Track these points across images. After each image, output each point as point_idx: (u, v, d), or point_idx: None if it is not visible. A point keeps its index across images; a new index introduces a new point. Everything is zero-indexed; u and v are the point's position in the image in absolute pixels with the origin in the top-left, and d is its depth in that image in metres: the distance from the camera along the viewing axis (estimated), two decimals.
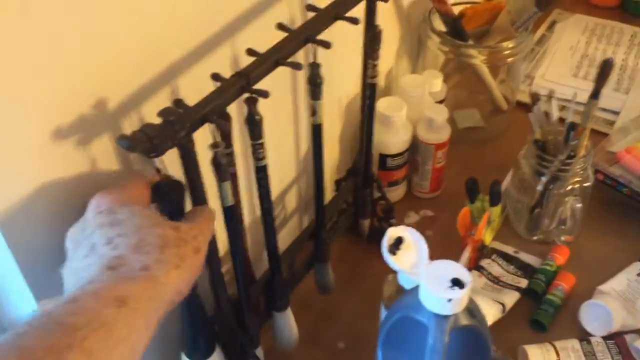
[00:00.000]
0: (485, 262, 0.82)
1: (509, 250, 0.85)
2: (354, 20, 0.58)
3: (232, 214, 0.55)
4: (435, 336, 0.51)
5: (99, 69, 0.47)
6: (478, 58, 0.95)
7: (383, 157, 0.87)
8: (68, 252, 0.43)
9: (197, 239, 0.44)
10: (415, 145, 0.89)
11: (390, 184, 0.90)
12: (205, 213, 0.48)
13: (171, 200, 0.47)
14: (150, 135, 0.45)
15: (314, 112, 0.61)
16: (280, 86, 0.69)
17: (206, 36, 0.56)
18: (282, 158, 0.76)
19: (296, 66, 0.53)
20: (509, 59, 0.95)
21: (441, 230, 0.89)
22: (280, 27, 0.57)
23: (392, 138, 0.86)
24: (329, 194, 0.81)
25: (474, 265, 0.82)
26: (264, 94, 0.51)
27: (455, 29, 0.93)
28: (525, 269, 0.82)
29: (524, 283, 0.80)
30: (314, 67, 0.58)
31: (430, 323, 0.51)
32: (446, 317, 0.51)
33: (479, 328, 0.53)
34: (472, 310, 0.53)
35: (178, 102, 0.50)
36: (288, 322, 0.71)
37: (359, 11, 0.62)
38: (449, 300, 0.50)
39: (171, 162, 0.48)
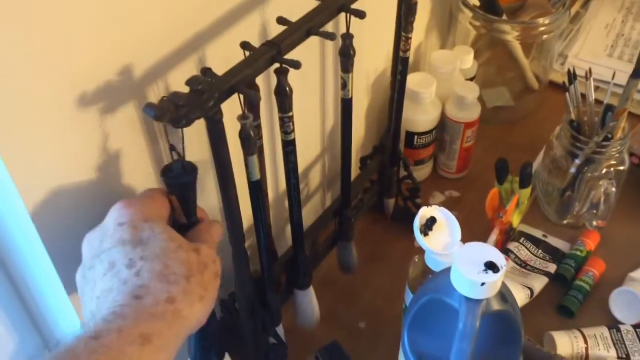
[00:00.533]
0: (512, 245, 0.80)
1: (538, 233, 0.83)
2: None
3: (258, 189, 0.53)
4: (466, 321, 0.49)
5: (125, 35, 0.45)
6: (511, 34, 0.92)
7: (410, 135, 0.85)
8: (83, 256, 0.43)
9: (215, 263, 0.45)
10: (443, 123, 0.87)
11: (416, 163, 0.88)
12: (216, 229, 0.48)
13: (183, 184, 0.46)
14: (178, 104, 0.43)
15: (344, 85, 0.59)
16: (308, 58, 0.66)
17: (235, 3, 0.53)
18: (307, 133, 0.74)
19: (330, 36, 0.51)
20: (544, 36, 0.92)
21: (467, 212, 0.87)
22: None
23: (420, 115, 0.83)
24: (353, 171, 0.79)
25: (501, 248, 0.80)
26: (296, 65, 0.49)
27: (489, 3, 0.90)
28: (554, 254, 0.80)
29: (552, 268, 0.77)
30: (347, 38, 0.55)
31: (461, 307, 0.50)
32: (478, 301, 0.49)
33: (511, 314, 0.52)
34: (504, 295, 0.51)
35: (206, 71, 0.48)
36: (310, 301, 0.69)
37: None
38: (482, 284, 0.48)
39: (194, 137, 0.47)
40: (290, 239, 0.66)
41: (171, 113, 0.43)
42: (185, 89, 0.44)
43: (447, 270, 0.51)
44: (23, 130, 0.41)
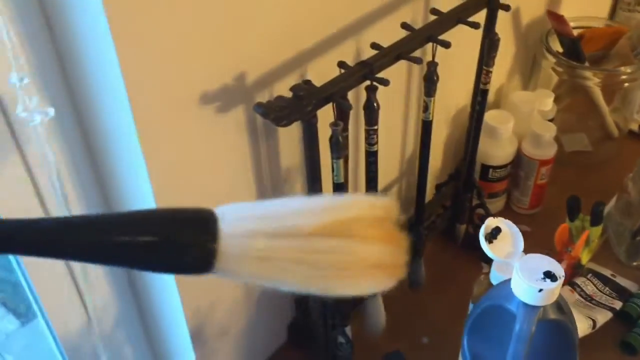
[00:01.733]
0: (579, 280, 0.82)
1: (606, 272, 0.85)
2: (474, 25, 0.62)
3: (341, 191, 0.60)
4: (522, 324, 0.53)
5: (242, 46, 0.53)
6: (593, 81, 0.96)
7: (485, 168, 0.90)
8: None
9: None
10: (519, 160, 0.91)
11: (490, 195, 0.92)
12: None
13: None
14: (282, 105, 0.51)
15: (426, 108, 0.65)
16: (394, 84, 0.74)
17: (336, 29, 0.61)
18: (388, 155, 0.81)
19: (417, 60, 0.58)
20: (626, 84, 0.95)
21: (536, 246, 0.88)
22: (404, 26, 0.61)
23: (496, 150, 0.88)
24: (429, 197, 0.85)
25: (567, 282, 0.82)
26: (385, 82, 0.56)
27: (573, 50, 0.94)
28: (621, 292, 0.81)
29: (618, 305, 0.79)
30: (432, 65, 0.62)
31: (519, 311, 0.54)
32: (535, 307, 0.53)
33: (567, 324, 0.55)
34: (561, 306, 0.55)
35: (307, 82, 0.55)
36: (377, 308, 0.75)
37: (479, 19, 0.66)
38: (540, 290, 0.52)
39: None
40: None
41: (275, 112, 0.50)
42: (289, 95, 0.52)
43: (508, 281, 0.56)
44: (160, 117, 0.50)
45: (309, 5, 0.57)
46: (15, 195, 0.49)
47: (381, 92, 0.58)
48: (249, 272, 0.38)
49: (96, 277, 0.60)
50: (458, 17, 0.62)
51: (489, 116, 0.87)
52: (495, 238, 0.56)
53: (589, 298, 0.80)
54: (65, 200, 0.49)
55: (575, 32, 0.97)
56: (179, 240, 0.35)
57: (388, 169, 0.82)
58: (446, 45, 0.60)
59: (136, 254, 0.36)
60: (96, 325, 0.60)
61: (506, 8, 0.66)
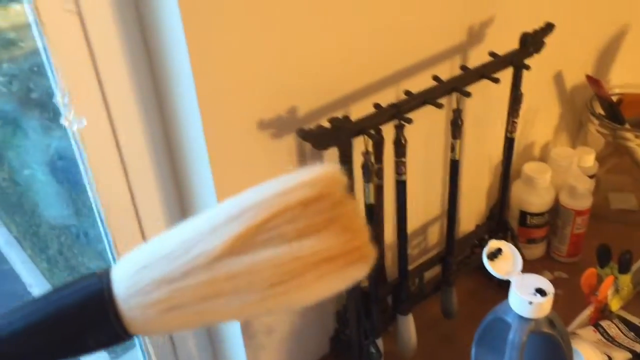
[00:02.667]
0: (605, 323, 0.87)
1: (635, 320, 0.89)
2: (495, 80, 0.73)
3: (371, 212, 0.71)
4: (515, 333, 0.61)
5: (295, 85, 0.67)
6: (635, 142, 1.02)
7: (523, 214, 0.97)
8: None
9: None
10: (556, 209, 0.98)
11: (528, 241, 0.99)
12: None
13: None
14: (321, 133, 0.63)
15: (452, 148, 0.76)
16: (432, 130, 0.85)
17: (376, 78, 0.74)
18: (428, 194, 0.91)
19: (438, 105, 0.69)
20: None
21: (572, 292, 0.95)
22: (435, 78, 0.73)
23: (533, 198, 0.96)
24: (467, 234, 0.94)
25: (593, 323, 0.88)
26: (409, 121, 0.67)
27: (613, 113, 1.01)
28: None
29: (639, 348, 0.83)
30: (457, 112, 0.73)
31: (514, 322, 0.62)
32: (527, 319, 0.61)
33: (557, 339, 0.62)
34: (554, 322, 0.63)
35: (345, 117, 0.68)
36: (409, 327, 0.83)
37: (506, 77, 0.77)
38: (530, 303, 0.60)
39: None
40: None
41: (314, 138, 0.63)
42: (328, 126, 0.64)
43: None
44: (225, 138, 0.64)
45: (357, 57, 0.71)
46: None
47: (422, 135, 0.69)
48: (165, 327, 0.33)
49: None
50: (482, 72, 0.73)
51: (528, 167, 0.96)
52: (497, 257, 0.64)
53: (610, 339, 0.85)
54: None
55: (618, 97, 1.04)
56: (79, 338, 0.33)
57: (428, 206, 0.92)
58: (466, 94, 0.71)
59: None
60: None
61: (526, 67, 0.76)
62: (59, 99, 0.55)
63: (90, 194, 0.68)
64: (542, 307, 0.61)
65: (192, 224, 0.35)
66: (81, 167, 0.66)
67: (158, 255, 0.33)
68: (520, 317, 0.62)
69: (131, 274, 0.33)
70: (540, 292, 0.61)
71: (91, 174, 0.64)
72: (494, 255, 0.64)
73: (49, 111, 1.13)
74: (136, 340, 0.78)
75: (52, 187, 1.51)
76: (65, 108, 0.56)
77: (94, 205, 0.69)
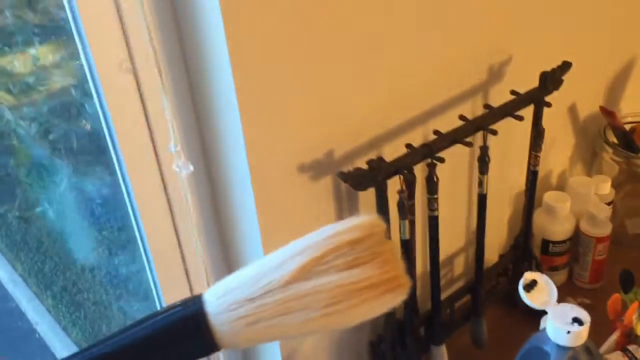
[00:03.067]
0: (632, 347, 0.89)
1: None
2: (519, 118, 0.77)
3: (406, 247, 0.74)
4: None
5: (332, 130, 0.71)
6: None
7: (546, 243, 1.00)
8: None
9: None
10: (577, 237, 1.01)
11: (551, 269, 1.02)
12: None
13: None
14: (359, 174, 0.67)
15: (480, 183, 0.79)
16: (459, 165, 0.88)
17: (408, 118, 0.78)
18: (454, 227, 0.94)
19: (468, 144, 0.72)
20: None
21: (596, 318, 0.96)
22: (461, 117, 0.77)
23: (555, 226, 0.99)
24: (493, 264, 0.96)
25: (621, 348, 0.90)
26: (441, 160, 0.71)
27: (626, 142, 1.05)
28: None
29: None
30: (484, 149, 0.77)
31: (552, 351, 0.64)
32: (565, 348, 0.64)
33: None
34: (590, 350, 0.65)
35: (380, 159, 0.71)
36: (442, 357, 0.86)
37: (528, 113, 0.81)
38: (568, 332, 0.63)
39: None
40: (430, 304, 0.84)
41: (353, 179, 0.67)
42: (365, 167, 0.68)
43: (545, 328, 0.67)
44: (269, 180, 0.67)
45: (388, 100, 0.74)
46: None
47: (448, 170, 0.73)
48: (248, 339, 0.41)
49: None
50: (505, 111, 0.77)
51: (549, 196, 0.99)
52: (533, 289, 0.67)
53: None
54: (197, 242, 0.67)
55: (630, 126, 1.08)
56: (179, 349, 0.41)
57: (454, 238, 0.95)
58: (493, 132, 0.74)
59: None
60: None
61: (548, 105, 0.80)
62: (171, 148, 0.61)
63: (137, 236, 0.71)
64: (579, 335, 0.63)
65: (265, 259, 0.43)
66: (130, 210, 0.69)
67: (240, 282, 0.42)
68: (559, 346, 0.64)
69: (219, 295, 0.41)
70: (577, 321, 0.63)
71: (140, 217, 0.68)
72: (530, 286, 0.67)
73: (84, 156, 1.16)
74: None
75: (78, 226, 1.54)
76: (176, 155, 0.61)
77: (140, 248, 0.72)
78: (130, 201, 0.68)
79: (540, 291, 0.68)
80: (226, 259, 0.77)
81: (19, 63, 1.32)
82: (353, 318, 0.41)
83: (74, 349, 2.04)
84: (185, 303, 0.42)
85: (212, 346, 0.41)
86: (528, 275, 0.68)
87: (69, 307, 2.06)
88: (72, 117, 1.19)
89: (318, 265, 0.40)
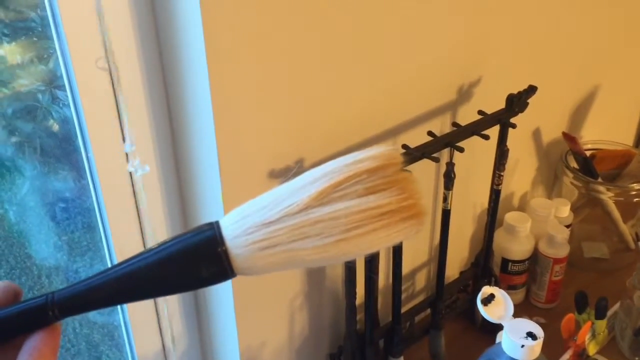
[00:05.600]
0: None
1: None
2: (485, 137, 0.79)
3: (370, 258, 0.75)
4: None
5: (302, 139, 0.72)
6: (607, 195, 1.09)
7: (505, 262, 1.03)
8: None
9: None
10: (536, 257, 1.04)
11: (509, 287, 1.05)
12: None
13: None
14: None
15: (445, 199, 0.81)
16: (427, 184, 0.90)
17: (378, 132, 0.79)
18: (417, 242, 0.96)
19: (435, 159, 0.74)
20: (635, 199, 1.08)
21: (549, 337, 0.99)
22: (429, 133, 0.79)
23: (514, 246, 1.02)
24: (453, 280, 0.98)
25: None
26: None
27: (586, 167, 1.08)
28: None
29: None
30: (450, 165, 0.79)
31: None
32: None
33: None
34: None
35: None
36: None
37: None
38: (522, 346, 0.65)
39: None
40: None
41: None
42: None
43: (500, 342, 0.68)
44: (238, 184, 0.68)
45: (358, 113, 0.76)
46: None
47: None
48: (264, 264, 0.40)
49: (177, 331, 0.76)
50: (472, 129, 0.79)
51: (510, 217, 1.02)
52: (490, 302, 0.69)
53: None
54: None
55: (591, 152, 1.12)
56: (192, 272, 0.40)
57: (417, 252, 0.97)
58: (460, 150, 0.76)
59: (169, 288, 0.41)
60: None
61: (513, 126, 0.83)
62: (126, 148, 0.59)
63: (103, 238, 0.71)
64: (533, 350, 0.65)
65: (281, 187, 0.43)
66: (97, 212, 0.69)
67: (257, 207, 0.41)
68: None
69: (236, 220, 0.41)
70: (531, 335, 0.65)
71: (107, 219, 0.68)
72: (488, 300, 0.69)
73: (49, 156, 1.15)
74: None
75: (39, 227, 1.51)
76: (131, 155, 0.60)
77: (105, 250, 0.72)
78: (97, 202, 0.68)
79: (497, 305, 0.70)
80: None
81: None
82: (370, 245, 0.40)
83: None
84: (200, 228, 0.41)
85: (228, 271, 0.40)
86: (486, 289, 0.70)
87: None
88: (38, 119, 1.17)
89: (336, 191, 0.40)
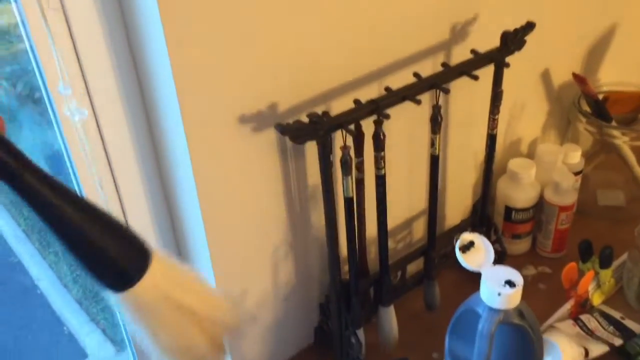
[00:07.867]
0: (584, 317, 0.89)
1: (616, 315, 0.90)
2: (474, 77, 0.75)
3: (350, 205, 0.73)
4: (484, 323, 0.63)
5: (276, 82, 0.69)
6: (622, 139, 1.03)
7: (508, 210, 0.99)
8: None
9: None
10: (541, 205, 0.99)
11: (513, 237, 1.01)
12: None
13: None
14: (299, 127, 0.65)
15: (432, 144, 0.77)
16: (419, 130, 0.86)
17: (359, 75, 0.76)
18: (413, 190, 0.92)
19: (417, 101, 0.71)
20: None
21: (554, 287, 0.96)
22: (415, 75, 0.75)
23: (518, 194, 0.97)
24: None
25: (573, 317, 0.89)
26: (387, 116, 0.69)
27: (599, 111, 1.02)
28: (625, 331, 0.87)
29: (617, 342, 0.85)
30: (436, 108, 0.75)
31: (484, 313, 0.64)
32: (497, 310, 0.63)
33: (527, 330, 0.64)
34: (524, 313, 0.64)
35: (324, 113, 0.70)
36: (390, 318, 0.85)
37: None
38: (499, 294, 0.62)
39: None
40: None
41: (292, 132, 0.65)
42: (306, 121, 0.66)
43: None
44: (206, 131, 0.66)
45: (339, 53, 0.72)
46: None
47: (406, 131, 0.72)
48: (148, 307, 0.49)
49: None
50: (461, 69, 0.75)
51: (513, 163, 0.97)
52: (469, 250, 0.66)
53: (589, 332, 0.86)
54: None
55: (604, 95, 1.05)
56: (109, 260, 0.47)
57: (413, 201, 0.94)
58: (445, 91, 0.72)
59: (90, 254, 0.47)
60: None
61: (507, 65, 0.78)
62: (60, 91, 0.58)
63: (75, 186, 0.70)
64: (510, 298, 0.62)
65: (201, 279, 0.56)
66: (67, 161, 0.68)
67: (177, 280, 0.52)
68: (490, 308, 0.63)
69: (163, 272, 0.50)
70: (510, 283, 0.62)
71: (76, 168, 0.67)
72: (467, 247, 0.66)
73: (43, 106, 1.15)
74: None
75: None
76: (67, 99, 0.58)
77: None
78: (67, 150, 0.67)
79: (477, 253, 0.67)
80: (169, 214, 0.76)
81: None
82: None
83: (74, 306, 2.08)
84: (141, 248, 0.49)
85: (130, 281, 0.47)
86: (465, 236, 0.67)
87: (70, 264, 2.07)
88: None
89: (195, 310, 0.52)
